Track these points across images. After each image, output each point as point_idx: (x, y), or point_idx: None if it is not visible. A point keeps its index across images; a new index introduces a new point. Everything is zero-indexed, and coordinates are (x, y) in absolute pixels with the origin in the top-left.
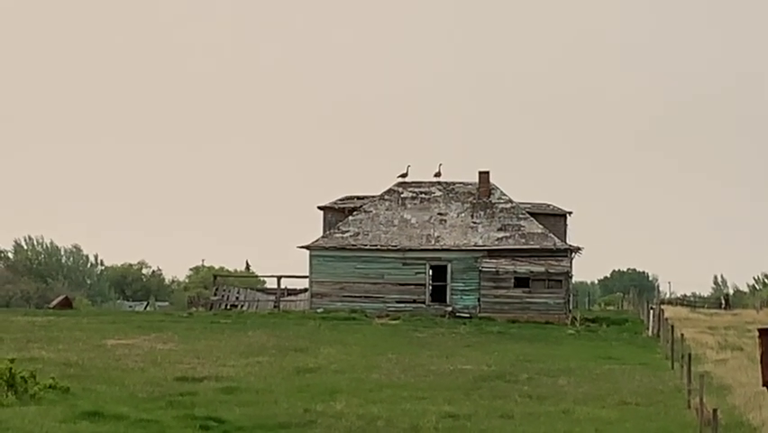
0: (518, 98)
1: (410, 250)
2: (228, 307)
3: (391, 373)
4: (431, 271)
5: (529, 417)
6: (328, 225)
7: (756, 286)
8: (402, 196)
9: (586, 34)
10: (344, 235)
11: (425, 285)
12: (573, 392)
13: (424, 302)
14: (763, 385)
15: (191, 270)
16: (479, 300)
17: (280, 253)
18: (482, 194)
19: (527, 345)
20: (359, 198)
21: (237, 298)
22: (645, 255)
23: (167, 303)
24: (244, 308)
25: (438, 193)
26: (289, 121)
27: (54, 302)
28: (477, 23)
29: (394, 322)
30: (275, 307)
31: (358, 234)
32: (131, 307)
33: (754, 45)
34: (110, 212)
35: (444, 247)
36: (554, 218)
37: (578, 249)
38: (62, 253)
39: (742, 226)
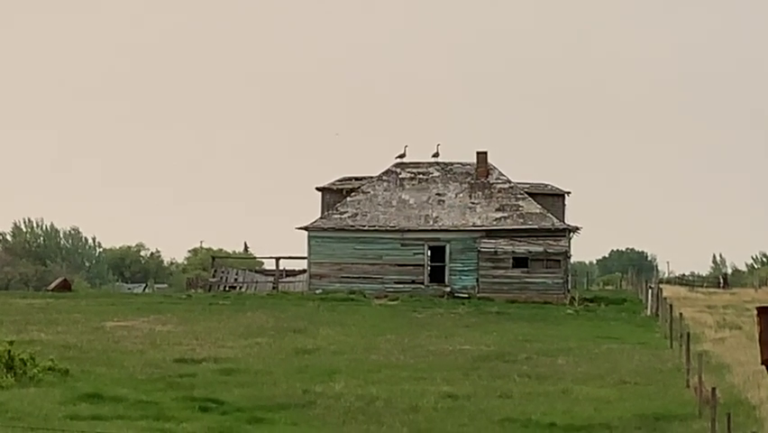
0: (516, 78)
1: (408, 231)
2: (227, 288)
3: (390, 353)
4: (429, 252)
5: (528, 396)
6: (326, 207)
7: (755, 265)
8: (400, 176)
9: (583, 14)
10: (343, 216)
11: (423, 266)
12: (572, 372)
13: (422, 283)
14: (762, 364)
15: (190, 251)
16: (477, 281)
17: (279, 234)
18: (480, 174)
19: (526, 325)
20: (357, 178)
21: (236, 279)
22: (644, 235)
23: (165, 285)
24: (243, 290)
25: (436, 174)
26: (287, 102)
27: (53, 285)
28: (474, 4)
29: (393, 303)
30: (274, 288)
31: (356, 214)
32: (129, 289)
33: (755, 31)
34: (109, 194)
35: (443, 228)
36: (553, 198)
37: (576, 229)
38: (61, 235)
39: (740, 206)
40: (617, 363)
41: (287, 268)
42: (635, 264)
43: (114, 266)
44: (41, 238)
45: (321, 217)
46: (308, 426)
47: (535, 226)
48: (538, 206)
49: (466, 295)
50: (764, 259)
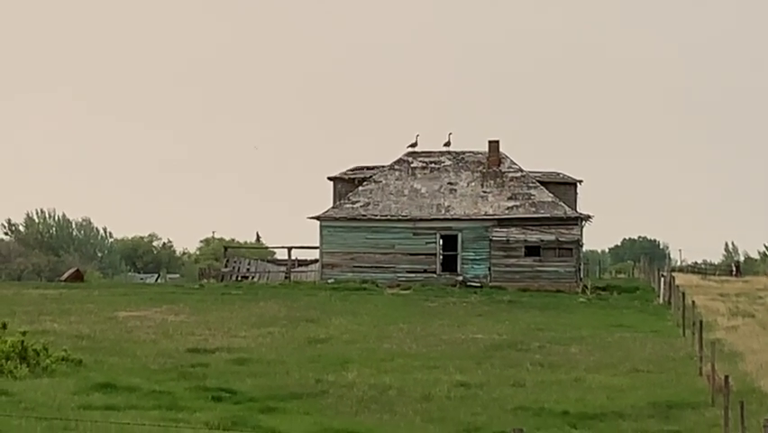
0: (527, 67)
1: (420, 220)
2: (239, 278)
3: (402, 342)
4: (441, 241)
5: (541, 385)
6: (338, 196)
7: (767, 253)
8: (412, 166)
9: (595, 4)
10: (354, 206)
11: (435, 255)
12: (585, 360)
13: (434, 272)
14: None
15: (202, 242)
16: (489, 270)
17: (291, 224)
18: (492, 163)
19: (538, 313)
20: (369, 168)
21: (248, 269)
22: (656, 223)
23: (178, 275)
24: (255, 280)
25: (448, 163)
26: (299, 92)
27: (65, 275)
28: None
29: (405, 292)
30: (286, 278)
31: (368, 204)
32: (142, 279)
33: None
34: (120, 184)
35: (455, 217)
36: (565, 187)
37: (588, 217)
38: (73, 225)
39: (753, 194)
40: (630, 352)
41: (299, 258)
42: (647, 253)
43: (127, 256)
44: (54, 229)
45: (333, 207)
46: (321, 415)
47: (547, 215)
48: (550, 194)
49: (478, 284)
50: None
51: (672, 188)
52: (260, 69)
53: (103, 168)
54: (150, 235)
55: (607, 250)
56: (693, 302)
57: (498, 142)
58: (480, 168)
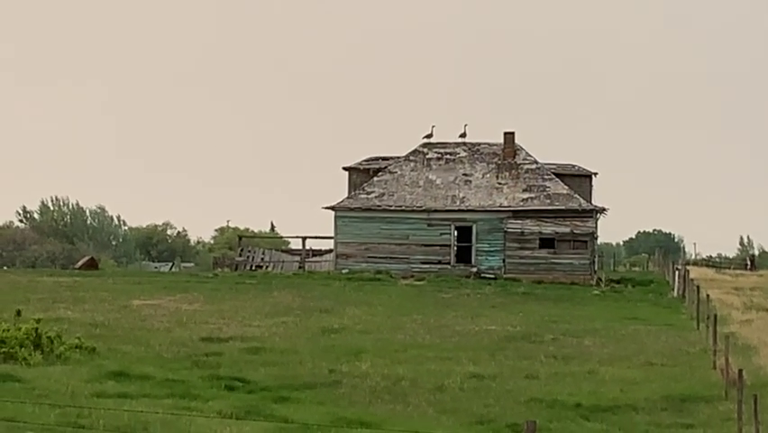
0: (543, 59)
1: (435, 211)
2: (253, 267)
3: (416, 333)
4: (456, 232)
5: (554, 377)
6: (353, 186)
7: None
8: (427, 156)
9: None
10: (369, 196)
11: (450, 246)
12: (598, 353)
13: (449, 263)
14: None
15: (216, 231)
16: (504, 261)
17: (305, 213)
18: (507, 155)
19: (552, 305)
20: (384, 158)
21: (262, 258)
22: (671, 216)
23: (192, 264)
24: (269, 269)
25: (463, 154)
26: (314, 82)
27: (80, 263)
28: None
29: (419, 283)
30: (300, 267)
31: (383, 194)
32: (156, 267)
33: None
34: (135, 173)
35: (469, 208)
36: (580, 179)
37: (603, 210)
38: (87, 214)
39: (767, 187)
40: (644, 345)
41: (313, 248)
42: (661, 245)
43: (141, 245)
44: (68, 217)
45: (348, 197)
46: (334, 405)
47: (562, 207)
48: (565, 186)
49: (492, 275)
50: None
51: (687, 182)
52: (275, 59)
53: (118, 156)
54: (164, 224)
55: (621, 243)
56: (707, 296)
57: (513, 133)
58: (496, 159)
